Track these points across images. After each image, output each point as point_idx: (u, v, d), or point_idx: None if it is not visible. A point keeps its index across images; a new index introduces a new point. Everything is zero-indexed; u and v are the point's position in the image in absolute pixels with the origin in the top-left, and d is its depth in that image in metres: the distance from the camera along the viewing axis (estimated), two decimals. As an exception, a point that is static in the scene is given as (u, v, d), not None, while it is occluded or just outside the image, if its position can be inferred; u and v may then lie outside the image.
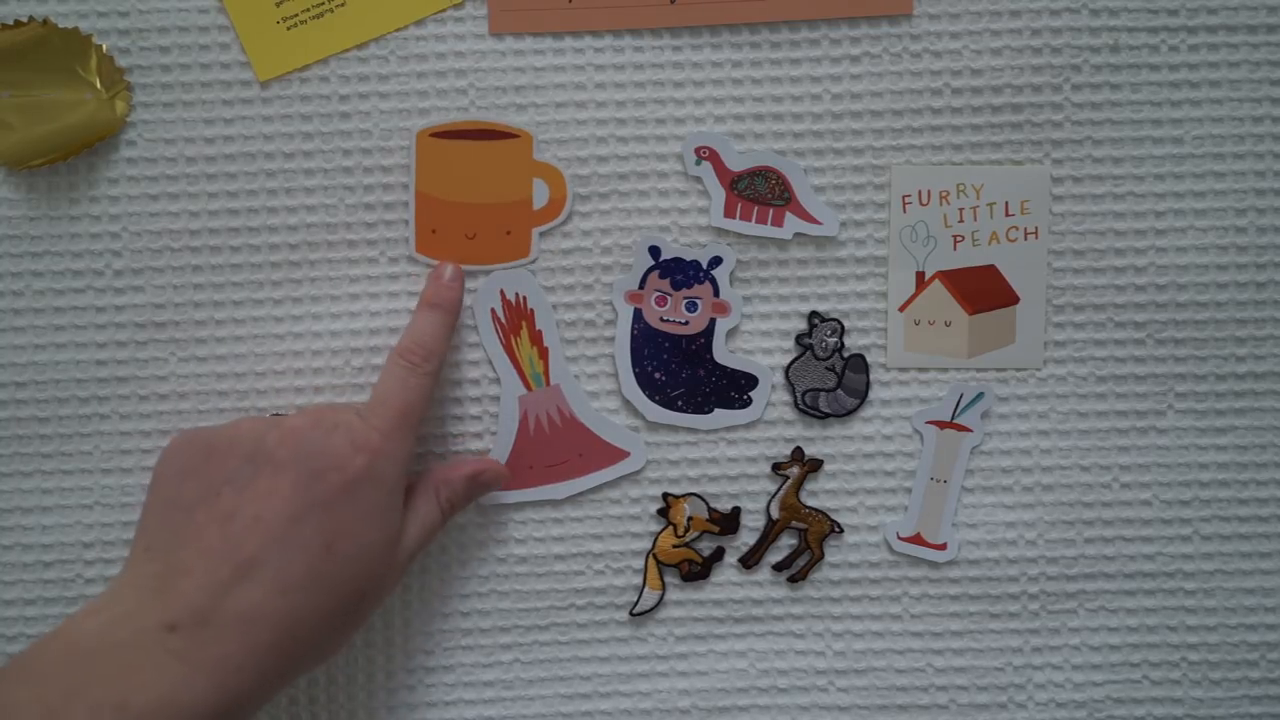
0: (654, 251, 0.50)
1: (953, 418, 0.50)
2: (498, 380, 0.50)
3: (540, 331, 0.50)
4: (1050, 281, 0.50)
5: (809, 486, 0.51)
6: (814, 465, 0.50)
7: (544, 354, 0.50)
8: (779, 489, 0.50)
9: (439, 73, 0.49)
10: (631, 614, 0.51)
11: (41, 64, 0.48)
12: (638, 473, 0.50)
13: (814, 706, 0.51)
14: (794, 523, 0.50)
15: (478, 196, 0.49)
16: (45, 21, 0.48)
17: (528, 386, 0.50)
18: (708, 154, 0.49)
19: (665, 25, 0.49)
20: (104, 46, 0.49)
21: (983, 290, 0.49)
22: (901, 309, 0.50)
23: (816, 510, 0.50)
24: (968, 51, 0.49)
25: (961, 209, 0.49)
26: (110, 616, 0.38)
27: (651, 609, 0.51)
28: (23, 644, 0.50)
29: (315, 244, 0.50)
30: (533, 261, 0.50)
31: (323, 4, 0.49)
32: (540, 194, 0.49)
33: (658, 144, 0.50)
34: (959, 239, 0.49)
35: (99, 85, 0.49)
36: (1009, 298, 0.50)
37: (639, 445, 0.50)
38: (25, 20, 0.48)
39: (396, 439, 0.43)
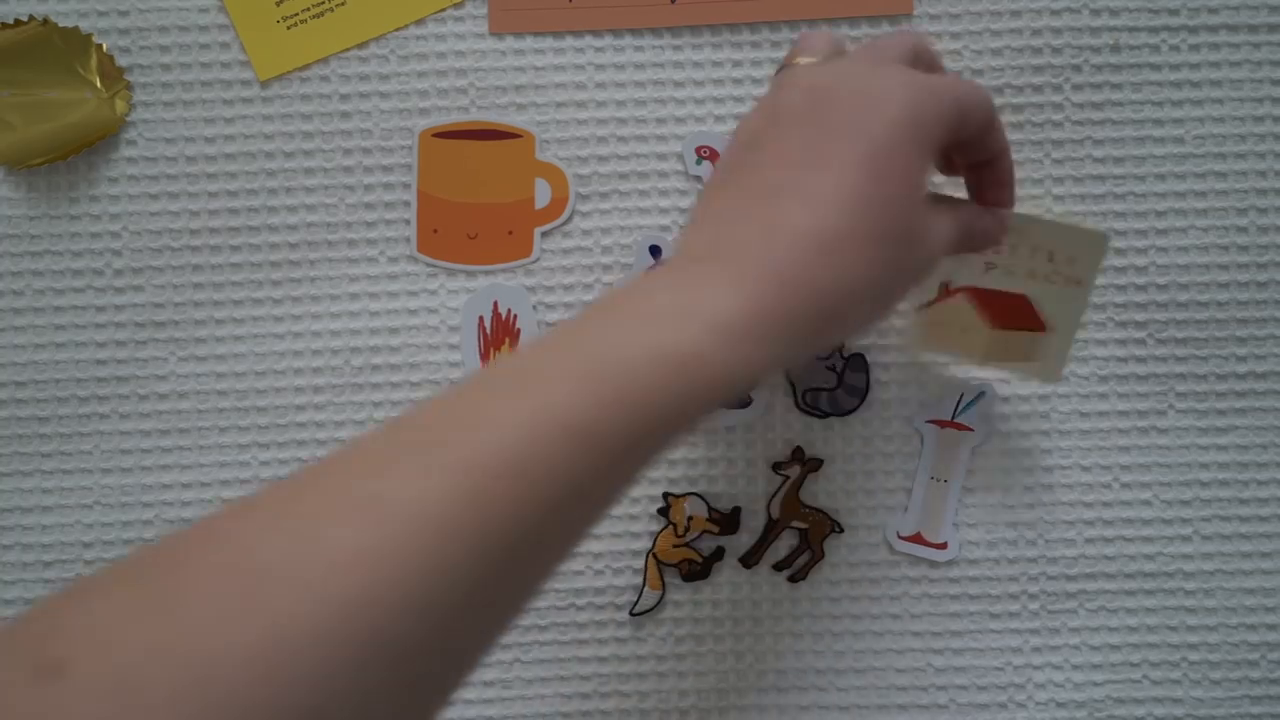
0: (654, 251, 0.50)
1: (953, 417, 0.50)
2: (465, 384, 0.50)
3: None
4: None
5: (809, 486, 0.51)
6: (814, 465, 0.50)
7: None
8: (779, 489, 0.50)
9: (439, 73, 0.49)
10: (631, 614, 0.51)
11: (41, 63, 0.48)
12: None
13: (814, 706, 0.51)
14: (794, 523, 0.50)
15: (480, 196, 0.49)
16: (45, 21, 0.48)
17: None
18: (708, 154, 0.49)
19: (665, 25, 0.49)
20: (104, 46, 0.49)
21: (1009, 312, 0.47)
22: (922, 307, 0.48)
23: (816, 510, 0.50)
24: (968, 51, 0.49)
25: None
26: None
27: (651, 609, 0.51)
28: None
29: (315, 244, 0.50)
30: (534, 261, 0.50)
31: (323, 4, 0.49)
32: (543, 194, 0.49)
33: (658, 144, 0.50)
34: (990, 265, 0.47)
35: (99, 84, 0.49)
36: (1035, 324, 0.47)
37: None
38: (25, 19, 0.48)
39: None
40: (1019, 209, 0.43)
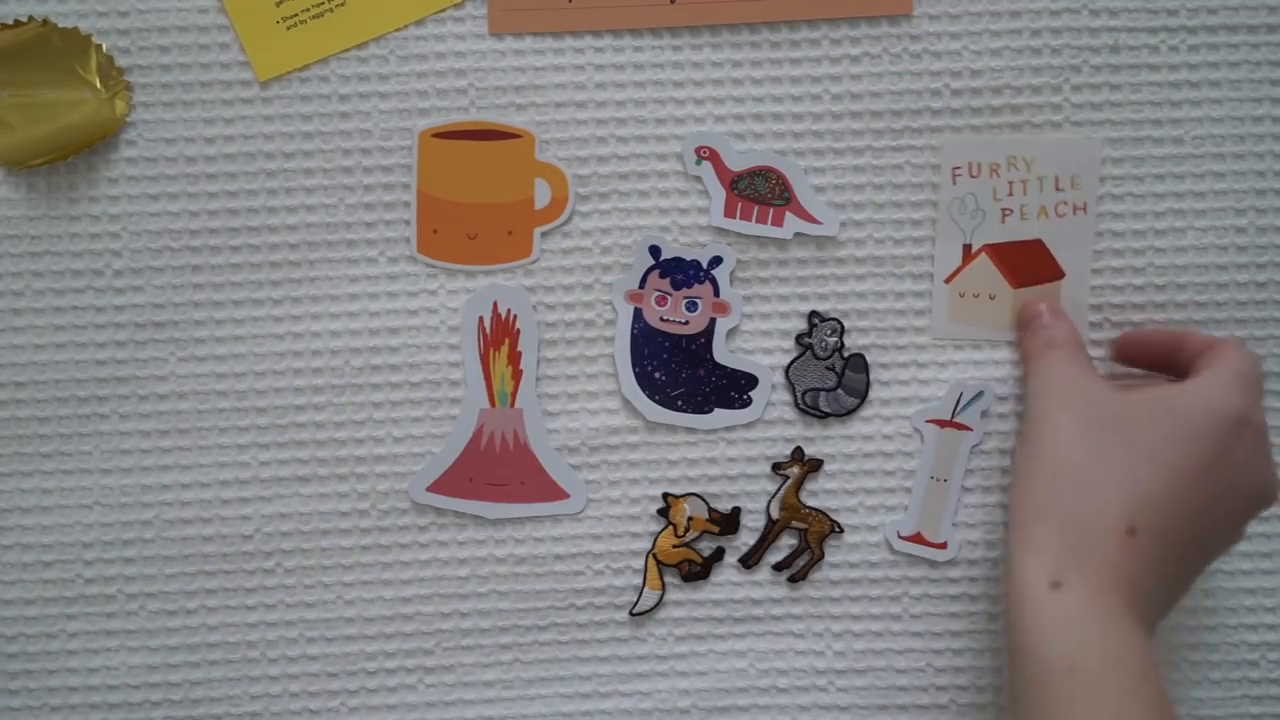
0: (654, 251, 0.50)
1: (952, 416, 0.50)
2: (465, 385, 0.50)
3: (520, 353, 0.50)
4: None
5: (809, 486, 0.51)
6: (814, 465, 0.50)
7: (517, 375, 0.50)
8: (779, 489, 0.50)
9: (439, 73, 0.49)
10: (631, 614, 0.51)
11: (41, 64, 0.48)
12: (575, 515, 0.51)
13: (814, 706, 0.51)
14: (794, 523, 0.50)
15: (480, 196, 0.49)
16: (45, 21, 0.48)
17: (492, 402, 0.50)
18: (708, 154, 0.49)
19: (665, 25, 0.49)
20: (104, 46, 0.49)
21: (1028, 264, 0.50)
22: (948, 280, 0.50)
23: (816, 510, 0.51)
24: (968, 52, 0.49)
25: (1011, 182, 0.49)
26: None
27: (651, 609, 0.51)
28: (23, 644, 0.50)
29: (315, 244, 0.50)
30: (534, 261, 0.50)
31: (323, 4, 0.49)
32: (542, 194, 0.49)
33: (658, 144, 0.50)
34: (1008, 212, 0.49)
35: (99, 85, 0.49)
36: (1054, 272, 0.50)
37: (580, 490, 0.50)
38: (25, 20, 0.48)
39: None
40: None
